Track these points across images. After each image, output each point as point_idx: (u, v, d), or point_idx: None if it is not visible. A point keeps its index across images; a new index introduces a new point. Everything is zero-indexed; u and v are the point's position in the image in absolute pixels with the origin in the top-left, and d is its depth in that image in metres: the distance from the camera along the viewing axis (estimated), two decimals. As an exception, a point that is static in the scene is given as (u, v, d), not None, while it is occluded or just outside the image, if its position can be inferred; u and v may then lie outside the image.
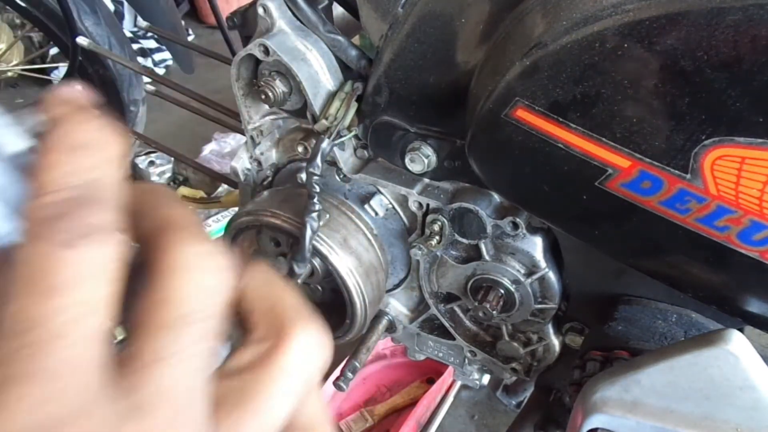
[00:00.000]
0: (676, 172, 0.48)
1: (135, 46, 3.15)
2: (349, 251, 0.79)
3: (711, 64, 0.42)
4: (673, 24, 0.42)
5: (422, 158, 0.72)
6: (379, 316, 0.95)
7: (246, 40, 0.82)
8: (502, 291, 0.77)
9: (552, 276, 0.75)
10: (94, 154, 0.22)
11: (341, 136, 0.74)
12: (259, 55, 0.74)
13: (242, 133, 0.88)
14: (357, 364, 0.92)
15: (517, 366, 0.87)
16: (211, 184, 2.21)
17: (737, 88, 0.42)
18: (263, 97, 0.76)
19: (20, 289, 0.20)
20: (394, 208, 0.83)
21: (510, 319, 0.81)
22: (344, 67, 0.76)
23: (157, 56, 3.30)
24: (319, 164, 0.72)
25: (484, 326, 0.90)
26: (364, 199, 0.83)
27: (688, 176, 0.48)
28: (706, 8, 0.41)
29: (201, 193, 2.02)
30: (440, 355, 0.98)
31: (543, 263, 0.74)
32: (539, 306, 0.78)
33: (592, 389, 0.58)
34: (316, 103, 0.75)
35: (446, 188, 0.76)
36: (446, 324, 0.90)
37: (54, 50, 2.87)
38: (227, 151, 2.34)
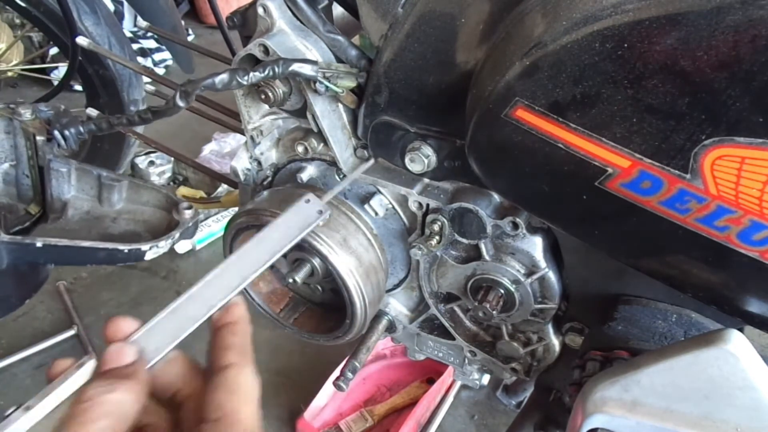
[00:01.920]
0: (676, 172, 0.48)
1: (135, 46, 3.15)
2: (349, 251, 0.79)
3: (711, 64, 0.42)
4: (673, 24, 0.42)
5: (422, 158, 0.72)
6: (379, 316, 0.95)
7: (246, 40, 0.82)
8: (502, 291, 0.77)
9: (552, 276, 0.75)
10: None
11: (329, 83, 0.71)
12: (259, 55, 0.74)
13: (242, 133, 0.88)
14: (357, 364, 0.92)
15: (517, 366, 0.87)
16: (211, 184, 2.21)
17: (737, 88, 0.42)
18: (263, 97, 0.76)
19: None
20: (394, 208, 0.83)
21: (510, 319, 0.81)
22: (344, 67, 0.76)
23: (157, 56, 3.30)
24: (298, 68, 0.67)
25: (484, 326, 0.90)
26: (364, 199, 0.83)
27: (688, 176, 0.48)
28: (706, 8, 0.41)
29: (201, 193, 2.02)
30: (440, 355, 0.98)
31: (543, 263, 0.74)
32: (539, 306, 0.78)
33: (592, 389, 0.58)
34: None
35: (446, 188, 0.76)
36: (446, 324, 0.90)
37: (54, 50, 2.87)
38: (227, 151, 2.34)
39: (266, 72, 0.67)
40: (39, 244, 0.76)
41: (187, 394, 0.46)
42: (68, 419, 0.38)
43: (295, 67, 0.67)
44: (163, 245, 0.83)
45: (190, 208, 0.86)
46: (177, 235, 0.84)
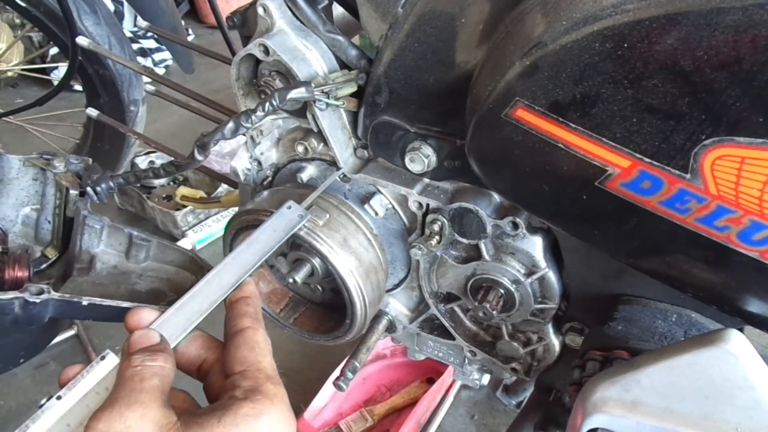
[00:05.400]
0: (676, 172, 0.48)
1: (135, 46, 3.16)
2: (349, 251, 0.79)
3: (711, 64, 0.42)
4: (673, 24, 0.42)
5: (422, 158, 0.72)
6: (379, 316, 0.95)
7: (246, 40, 0.82)
8: (502, 291, 0.77)
9: (552, 276, 0.75)
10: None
11: (329, 98, 0.72)
12: (259, 54, 0.74)
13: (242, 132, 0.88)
14: (357, 364, 0.92)
15: (517, 366, 0.87)
16: (211, 184, 2.21)
17: (737, 88, 0.42)
18: (263, 96, 0.76)
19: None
20: (394, 208, 0.83)
21: (510, 319, 0.81)
22: (344, 66, 0.76)
23: (157, 56, 3.30)
24: (296, 95, 0.69)
25: (484, 326, 0.90)
26: (364, 199, 0.83)
27: (688, 176, 0.48)
28: (706, 8, 0.41)
29: (201, 193, 2.02)
30: (440, 355, 0.98)
31: (543, 263, 0.74)
32: (539, 306, 0.78)
33: (592, 389, 0.58)
34: (316, 103, 0.75)
35: (446, 188, 0.76)
36: (446, 324, 0.90)
37: (54, 50, 2.87)
38: (227, 151, 2.34)
39: (266, 110, 0.69)
40: (84, 303, 0.79)
41: (212, 361, 0.54)
42: (125, 380, 0.45)
43: (292, 95, 0.69)
44: None
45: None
46: None
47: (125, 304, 0.80)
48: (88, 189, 0.86)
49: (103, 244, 0.91)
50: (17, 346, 0.92)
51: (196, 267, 0.91)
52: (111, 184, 0.86)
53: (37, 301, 0.75)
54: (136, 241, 0.90)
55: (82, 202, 0.88)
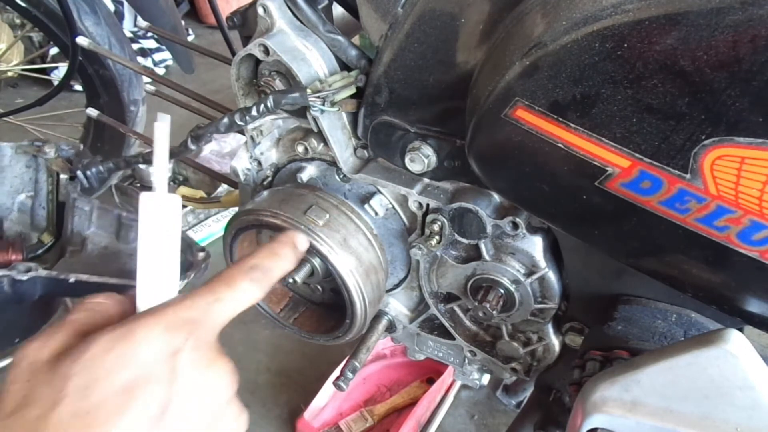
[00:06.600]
0: (676, 172, 0.48)
1: (135, 46, 3.16)
2: (349, 251, 0.79)
3: (711, 64, 0.42)
4: (673, 24, 0.42)
5: (422, 158, 0.72)
6: (379, 316, 0.95)
7: (246, 40, 0.82)
8: (502, 291, 0.77)
9: (552, 276, 0.75)
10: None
11: (325, 103, 0.71)
12: (259, 55, 0.74)
13: (242, 133, 0.88)
14: (357, 364, 0.92)
15: (517, 366, 0.87)
16: (211, 184, 2.21)
17: (737, 88, 0.42)
18: (262, 97, 0.76)
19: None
20: (394, 208, 0.83)
21: (510, 319, 0.82)
22: (344, 67, 0.76)
23: (157, 56, 3.31)
24: (290, 101, 0.69)
25: (484, 326, 0.90)
26: (364, 199, 0.83)
27: (688, 176, 0.48)
28: (706, 8, 0.41)
29: (201, 193, 2.02)
30: (440, 355, 0.98)
31: (543, 263, 0.74)
32: (539, 306, 0.78)
33: (592, 389, 0.58)
34: (316, 103, 0.75)
35: (446, 188, 0.76)
36: (446, 324, 0.90)
37: (54, 50, 2.87)
38: (227, 151, 2.34)
39: (260, 112, 0.70)
40: (72, 280, 0.80)
41: None
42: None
43: (286, 100, 0.69)
44: (180, 284, 0.88)
45: (203, 250, 0.93)
46: (192, 275, 0.91)
47: (112, 281, 0.81)
48: (78, 173, 0.87)
49: (93, 225, 0.92)
50: (12, 327, 0.94)
51: (185, 245, 0.92)
52: (101, 168, 0.87)
53: (24, 278, 0.76)
54: (125, 221, 0.91)
55: (72, 185, 0.90)
